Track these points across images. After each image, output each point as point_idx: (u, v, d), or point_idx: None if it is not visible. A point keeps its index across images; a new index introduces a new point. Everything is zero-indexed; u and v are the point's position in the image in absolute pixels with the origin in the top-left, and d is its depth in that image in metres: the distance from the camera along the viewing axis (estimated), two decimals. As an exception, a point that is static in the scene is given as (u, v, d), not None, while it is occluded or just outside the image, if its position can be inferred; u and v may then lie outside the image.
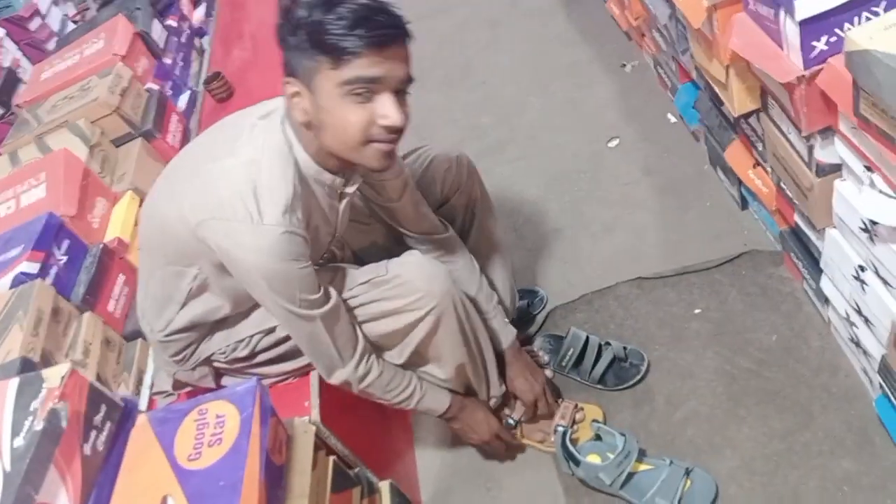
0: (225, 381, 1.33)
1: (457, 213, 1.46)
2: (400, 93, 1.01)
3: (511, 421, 1.44)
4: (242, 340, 1.24)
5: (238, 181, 1.01)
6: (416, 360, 1.26)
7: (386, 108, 0.99)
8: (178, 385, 1.32)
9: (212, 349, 1.25)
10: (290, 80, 1.00)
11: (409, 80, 1.02)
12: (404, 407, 1.27)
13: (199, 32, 2.65)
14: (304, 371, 1.29)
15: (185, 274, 1.14)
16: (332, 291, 1.13)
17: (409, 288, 1.17)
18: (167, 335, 1.22)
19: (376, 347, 1.23)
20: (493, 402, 1.41)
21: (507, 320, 1.44)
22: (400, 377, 1.24)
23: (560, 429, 1.37)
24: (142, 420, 1.03)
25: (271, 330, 1.23)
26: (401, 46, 0.99)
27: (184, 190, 1.07)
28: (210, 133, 1.16)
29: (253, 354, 1.25)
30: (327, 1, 0.94)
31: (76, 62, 2.11)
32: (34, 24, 2.68)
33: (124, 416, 1.06)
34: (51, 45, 2.66)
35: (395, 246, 1.37)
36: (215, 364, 1.28)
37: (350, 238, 1.38)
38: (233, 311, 1.21)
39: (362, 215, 1.39)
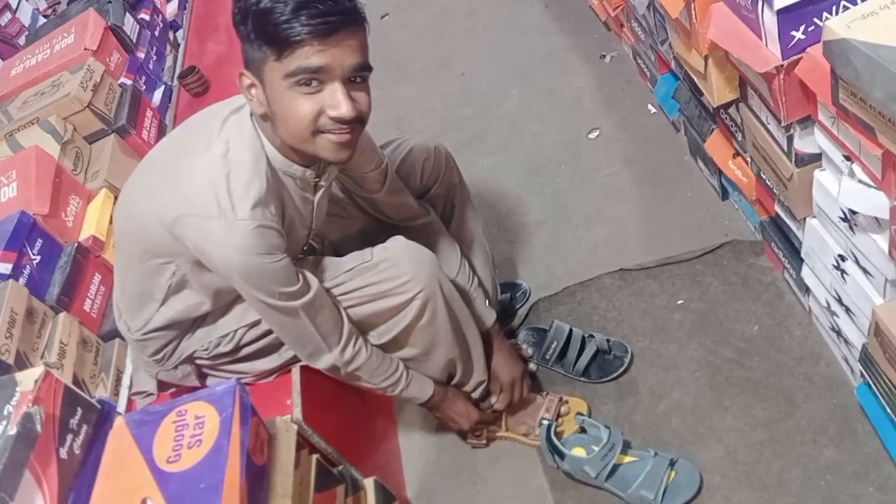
0: (210, 381, 1.31)
1: (437, 204, 1.45)
2: (354, 81, 0.98)
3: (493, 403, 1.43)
4: (226, 335, 1.22)
5: (210, 176, 1.00)
6: (401, 345, 1.25)
7: (334, 99, 0.96)
8: (162, 386, 1.30)
9: (193, 346, 1.24)
10: (244, 72, 1.00)
11: (361, 67, 0.98)
12: (389, 393, 1.26)
13: (173, 26, 2.60)
14: (289, 367, 1.28)
15: (164, 271, 1.12)
16: (313, 280, 1.11)
17: (395, 272, 1.17)
18: (145, 334, 1.20)
19: (362, 330, 1.22)
20: (477, 391, 1.41)
21: (487, 303, 1.44)
22: (388, 362, 1.24)
23: (545, 422, 1.37)
24: (119, 422, 1.01)
25: (255, 323, 1.21)
26: (350, 33, 0.95)
27: (158, 187, 1.05)
28: (183, 128, 1.14)
29: (237, 349, 1.24)
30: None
31: (47, 57, 2.06)
32: (4, 19, 2.63)
33: (101, 419, 1.04)
34: (21, 41, 2.60)
35: (375, 237, 1.36)
36: (198, 362, 1.26)
37: (329, 231, 1.37)
38: (213, 306, 1.19)
39: (342, 208, 1.37)
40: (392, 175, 1.31)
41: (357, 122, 1.00)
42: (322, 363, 1.18)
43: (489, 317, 1.42)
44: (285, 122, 0.99)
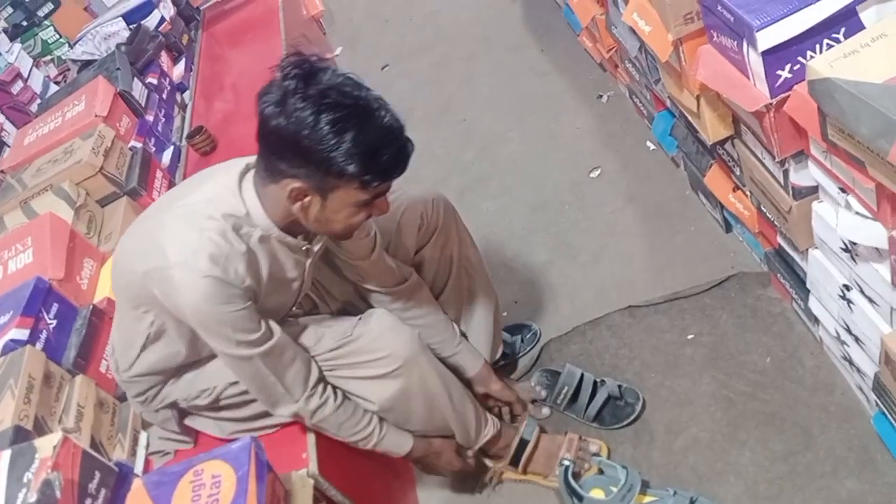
0: (190, 421, 1.34)
1: (434, 256, 1.46)
2: None
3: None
4: (206, 389, 1.25)
5: (181, 231, 1.06)
6: (385, 414, 1.27)
7: (384, 206, 1.09)
8: (144, 424, 1.36)
9: (175, 395, 1.28)
10: (299, 187, 1.03)
11: None
12: (362, 446, 1.26)
13: (180, 87, 2.67)
14: (275, 427, 1.30)
15: (144, 319, 1.17)
16: (276, 329, 1.14)
17: (374, 347, 1.21)
18: (131, 376, 1.25)
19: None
20: (479, 443, 1.41)
21: (473, 347, 1.47)
22: (359, 416, 1.24)
23: (566, 463, 1.36)
24: (137, 484, 1.02)
25: (236, 381, 1.23)
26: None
27: (139, 240, 1.14)
28: (178, 186, 1.24)
29: (216, 404, 1.26)
30: (369, 152, 1.00)
31: (58, 125, 2.12)
32: (16, 88, 2.69)
33: (119, 481, 1.05)
34: (34, 108, 2.67)
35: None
36: (181, 405, 1.29)
37: (334, 289, 1.39)
38: (188, 357, 1.23)
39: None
40: (380, 244, 1.34)
41: None
42: (285, 411, 1.19)
43: (477, 361, 1.46)
44: (330, 225, 1.09)
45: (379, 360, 1.21)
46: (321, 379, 1.20)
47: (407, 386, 1.23)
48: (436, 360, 1.30)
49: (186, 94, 2.66)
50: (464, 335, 1.50)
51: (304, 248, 1.17)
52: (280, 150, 1.01)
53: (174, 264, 1.04)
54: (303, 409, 1.18)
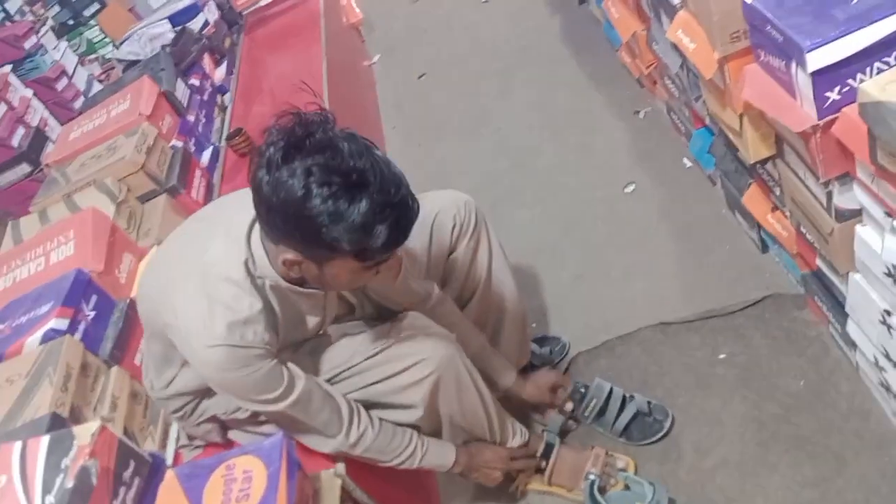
0: (233, 434, 1.34)
1: (466, 259, 1.44)
2: None
3: (542, 463, 1.43)
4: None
5: (195, 293, 1.05)
6: (425, 419, 1.27)
7: (395, 266, 1.09)
8: (189, 438, 1.35)
9: (213, 409, 1.27)
10: (289, 253, 0.99)
11: None
12: (409, 467, 1.25)
13: (221, 90, 2.72)
14: None
15: (175, 347, 1.15)
16: (298, 379, 1.12)
17: (410, 351, 1.21)
18: (168, 395, 1.26)
19: (377, 406, 1.24)
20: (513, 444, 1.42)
21: (503, 359, 1.47)
22: (400, 436, 1.24)
23: (591, 477, 1.35)
24: (170, 476, 1.04)
25: None
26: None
27: (161, 286, 1.13)
28: (197, 219, 1.22)
29: (257, 418, 1.26)
30: (361, 229, 0.92)
31: (103, 122, 2.17)
32: (61, 85, 2.76)
33: (152, 472, 1.07)
34: (77, 104, 2.74)
35: None
36: (222, 418, 1.29)
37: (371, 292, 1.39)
38: None
39: None
40: (406, 268, 1.28)
41: None
42: (327, 449, 1.19)
43: (509, 376, 1.46)
44: (333, 286, 1.08)
45: (416, 364, 1.20)
46: (354, 410, 1.19)
47: (444, 387, 1.23)
48: (469, 361, 1.29)
49: (227, 97, 2.70)
50: (494, 341, 1.49)
51: (319, 293, 1.15)
52: (272, 217, 0.97)
53: (187, 334, 1.05)
54: (344, 445, 1.18)
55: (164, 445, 1.42)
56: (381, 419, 1.22)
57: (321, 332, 1.25)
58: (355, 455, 1.20)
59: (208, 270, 1.06)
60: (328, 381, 1.22)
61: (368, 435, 1.19)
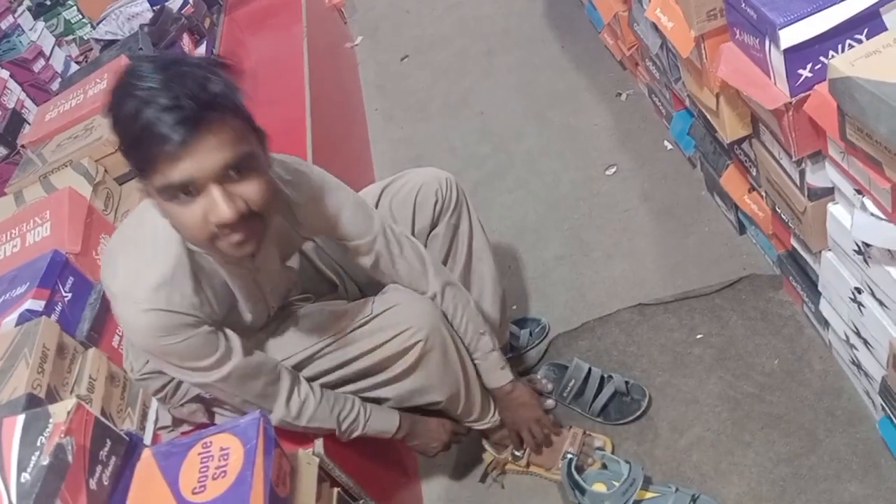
0: (218, 416, 1.32)
1: (448, 235, 1.43)
2: (232, 177, 0.89)
3: (517, 453, 1.44)
4: None
5: (125, 260, 1.03)
6: (398, 383, 1.25)
7: (211, 205, 0.88)
8: (176, 421, 1.33)
9: (194, 389, 1.26)
10: (138, 181, 0.94)
11: (233, 164, 0.88)
12: (353, 434, 1.24)
13: (202, 70, 2.70)
14: None
15: None
16: (235, 354, 1.08)
17: (395, 321, 1.19)
18: (143, 374, 1.24)
19: (359, 376, 1.23)
20: (479, 424, 1.41)
21: (501, 363, 1.39)
22: (342, 403, 1.21)
23: (569, 456, 1.37)
24: (146, 454, 1.04)
25: None
26: (208, 133, 0.85)
27: (105, 260, 1.10)
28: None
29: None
30: (115, 104, 0.85)
31: (80, 102, 2.14)
32: (38, 66, 2.72)
33: (129, 451, 1.07)
34: (55, 86, 2.70)
35: None
36: (206, 397, 1.28)
37: (352, 269, 1.40)
38: None
39: None
40: (385, 257, 1.24)
41: (250, 217, 0.92)
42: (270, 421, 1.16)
43: (503, 377, 1.39)
44: (180, 230, 0.95)
45: (402, 333, 1.19)
46: (296, 382, 1.17)
47: (430, 356, 1.22)
48: (453, 330, 1.28)
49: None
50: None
51: (249, 266, 1.10)
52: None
53: (115, 298, 1.02)
54: (286, 417, 1.16)
55: (142, 427, 1.41)
56: (322, 388, 1.20)
57: (271, 309, 1.22)
58: (299, 427, 1.18)
59: (139, 235, 1.04)
60: (310, 357, 1.21)
61: (309, 406, 1.17)
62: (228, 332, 1.09)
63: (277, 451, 1.02)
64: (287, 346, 1.21)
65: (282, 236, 1.16)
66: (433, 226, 1.42)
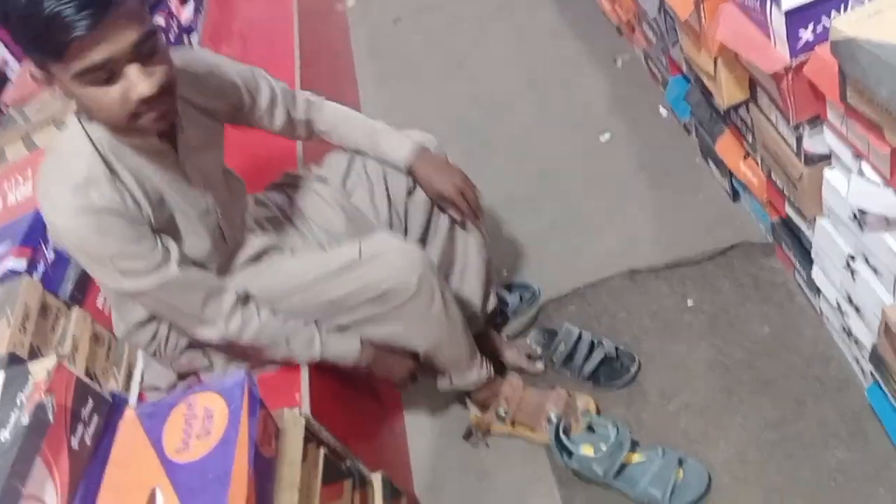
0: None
1: (427, 201, 1.40)
2: (144, 54, 0.93)
3: (501, 411, 1.44)
4: None
5: (44, 174, 1.04)
6: (387, 324, 1.24)
7: (132, 83, 0.92)
8: (179, 377, 1.32)
9: (185, 338, 1.25)
10: (32, 71, 0.94)
11: (144, 39, 0.92)
12: (310, 358, 1.22)
13: (188, 30, 2.63)
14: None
15: None
16: (172, 260, 1.08)
17: (385, 262, 1.18)
18: (134, 326, 1.23)
19: (344, 310, 1.21)
20: (461, 380, 1.41)
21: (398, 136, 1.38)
22: (293, 323, 1.20)
23: (553, 417, 1.37)
24: (129, 414, 1.02)
25: None
26: (116, 13, 0.88)
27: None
28: None
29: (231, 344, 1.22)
30: (9, 3, 0.86)
31: (65, 59, 2.10)
32: (23, 22, 2.66)
33: (112, 410, 1.05)
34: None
35: (362, 223, 1.37)
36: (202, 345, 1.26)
37: (313, 214, 1.38)
38: None
39: (327, 189, 1.38)
40: (282, 108, 1.31)
41: (164, 93, 0.96)
42: (210, 335, 1.16)
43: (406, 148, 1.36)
44: (98, 114, 0.97)
45: (391, 278, 1.17)
46: (240, 300, 1.16)
47: (415, 304, 1.21)
48: (443, 281, 1.27)
49: (194, 37, 2.62)
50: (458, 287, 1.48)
51: (170, 155, 1.09)
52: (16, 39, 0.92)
53: (43, 209, 1.02)
54: (226, 333, 1.15)
55: (127, 388, 1.40)
56: (273, 310, 1.19)
57: (217, 215, 1.19)
58: (245, 343, 1.17)
59: (54, 148, 1.06)
60: (287, 294, 1.20)
61: (253, 324, 1.16)
62: (166, 238, 1.10)
63: (263, 412, 1.00)
64: (264, 283, 1.20)
65: (189, 119, 1.15)
66: (410, 190, 1.39)
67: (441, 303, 1.25)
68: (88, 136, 1.02)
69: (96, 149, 1.02)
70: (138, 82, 0.92)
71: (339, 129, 1.40)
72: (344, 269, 1.19)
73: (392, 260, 1.19)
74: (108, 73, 0.91)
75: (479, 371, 1.40)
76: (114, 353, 1.42)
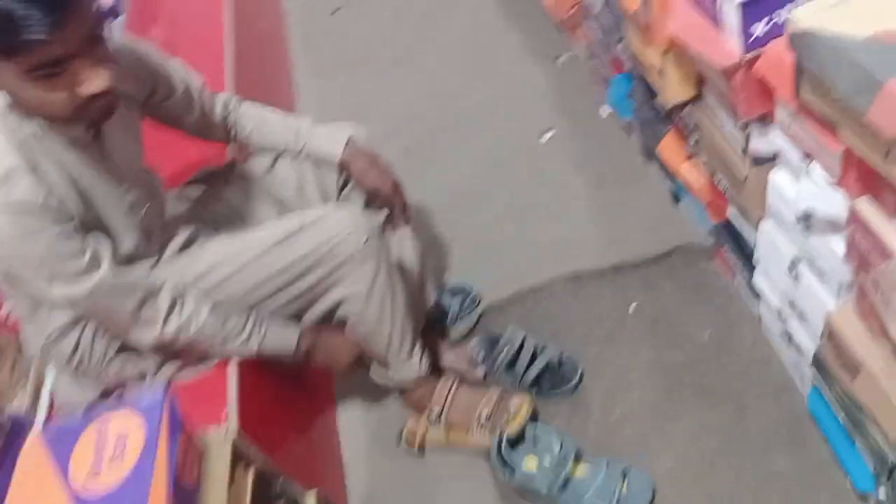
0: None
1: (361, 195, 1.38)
2: (96, 48, 0.92)
3: (434, 413, 1.39)
4: None
5: None
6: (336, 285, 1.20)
7: (86, 77, 0.91)
8: (112, 389, 1.22)
9: (116, 342, 1.16)
10: None
11: (96, 32, 0.92)
12: (248, 353, 1.17)
13: (112, 13, 2.48)
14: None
15: None
16: (103, 262, 1.02)
17: (332, 223, 1.15)
18: (52, 337, 1.14)
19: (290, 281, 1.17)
20: (405, 377, 1.36)
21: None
22: (234, 319, 1.14)
23: (484, 417, 1.34)
24: (34, 438, 0.92)
25: None
26: (69, 7, 0.86)
27: None
28: None
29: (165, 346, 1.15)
30: None
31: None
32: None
33: (14, 435, 0.95)
34: None
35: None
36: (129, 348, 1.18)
37: (240, 205, 1.33)
38: None
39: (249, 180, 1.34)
40: (197, 100, 1.27)
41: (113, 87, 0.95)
42: (148, 340, 1.10)
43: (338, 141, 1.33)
44: (41, 108, 0.94)
45: (338, 236, 1.15)
46: (178, 299, 1.10)
47: (368, 268, 1.18)
48: (391, 256, 1.25)
49: (119, 22, 2.47)
50: None
51: (91, 143, 1.05)
52: None
53: None
54: (165, 336, 1.09)
55: (35, 407, 1.28)
56: (213, 304, 1.13)
57: (141, 204, 1.14)
58: (183, 343, 1.12)
59: None
60: (228, 277, 1.15)
61: (191, 325, 1.10)
62: (97, 235, 1.03)
63: (184, 437, 0.91)
64: (198, 269, 1.15)
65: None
66: (341, 187, 1.35)
67: (386, 273, 1.22)
68: (8, 131, 0.95)
69: (18, 144, 0.95)
70: (93, 78, 0.91)
71: (262, 130, 1.35)
72: (290, 235, 1.15)
73: (340, 219, 1.16)
74: (60, 68, 0.89)
75: (419, 364, 1.35)
76: (18, 369, 1.29)
